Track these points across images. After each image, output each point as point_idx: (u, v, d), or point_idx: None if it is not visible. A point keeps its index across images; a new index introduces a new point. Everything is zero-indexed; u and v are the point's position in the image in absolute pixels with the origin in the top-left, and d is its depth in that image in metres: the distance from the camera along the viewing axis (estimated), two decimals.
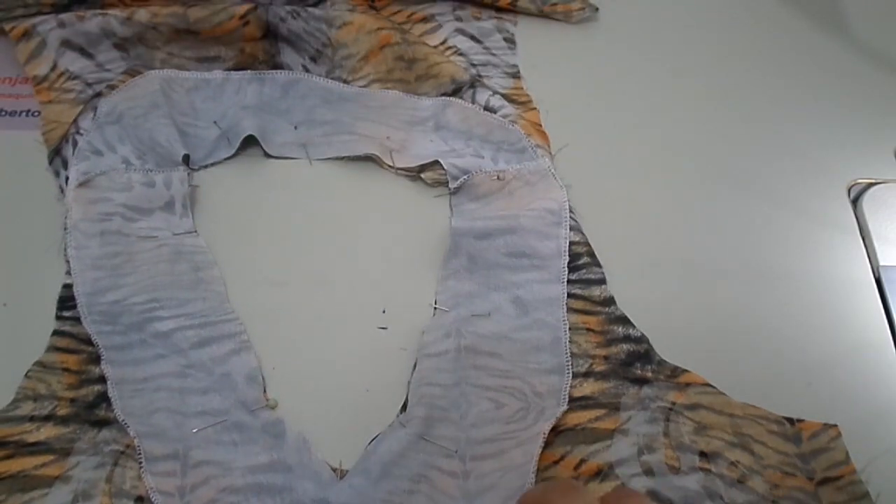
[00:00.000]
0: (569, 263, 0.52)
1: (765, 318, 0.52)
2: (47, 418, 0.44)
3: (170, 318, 0.48)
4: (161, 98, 0.56)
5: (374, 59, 0.59)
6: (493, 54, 0.63)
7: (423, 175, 0.56)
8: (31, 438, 0.44)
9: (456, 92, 0.59)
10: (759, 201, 0.57)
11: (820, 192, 0.58)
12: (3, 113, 0.57)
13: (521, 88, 0.61)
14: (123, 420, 0.44)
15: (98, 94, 0.57)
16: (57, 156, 0.54)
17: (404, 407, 0.47)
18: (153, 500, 0.42)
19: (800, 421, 0.47)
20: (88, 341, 0.47)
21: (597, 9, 0.66)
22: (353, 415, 0.47)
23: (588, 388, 0.48)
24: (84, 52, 0.57)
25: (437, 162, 0.55)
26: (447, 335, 0.49)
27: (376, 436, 0.46)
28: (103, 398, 0.45)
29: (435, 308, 0.51)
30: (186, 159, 0.54)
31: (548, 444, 0.45)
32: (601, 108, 0.61)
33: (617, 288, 0.52)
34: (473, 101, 0.58)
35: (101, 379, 0.46)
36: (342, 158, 0.57)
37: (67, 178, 0.52)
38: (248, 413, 0.45)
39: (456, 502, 0.43)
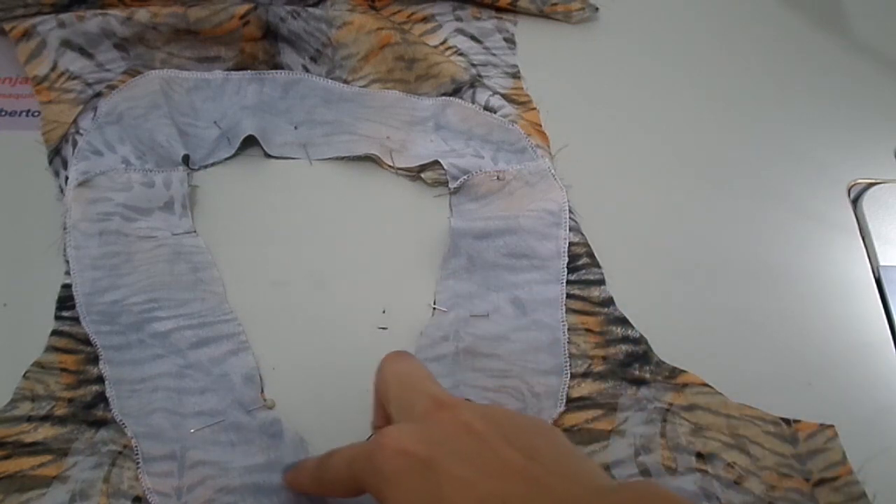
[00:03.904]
0: (568, 264, 0.52)
1: (764, 318, 0.52)
2: (45, 418, 0.44)
3: (168, 319, 0.48)
4: (161, 98, 0.56)
5: (374, 59, 0.59)
6: (493, 54, 0.63)
7: (423, 175, 0.56)
8: (29, 439, 0.44)
9: (456, 92, 0.59)
10: (759, 201, 0.57)
11: (820, 192, 0.58)
12: (3, 113, 0.57)
13: (521, 88, 0.61)
14: (121, 420, 0.44)
15: (98, 94, 0.57)
16: (57, 156, 0.54)
17: None
18: (150, 500, 0.42)
19: (796, 421, 0.46)
20: (87, 341, 0.47)
21: (597, 9, 0.66)
22: (352, 415, 0.47)
23: (586, 388, 0.47)
24: (84, 52, 0.57)
25: (437, 162, 0.55)
26: (445, 338, 0.49)
27: (371, 436, 0.46)
28: (101, 398, 0.45)
29: (434, 308, 0.51)
30: (186, 159, 0.54)
31: None
32: (601, 108, 0.61)
33: (616, 288, 0.52)
34: (473, 101, 0.58)
35: (100, 379, 0.46)
36: (342, 158, 0.57)
37: (67, 178, 0.52)
38: (245, 413, 0.45)
39: None
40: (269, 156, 0.56)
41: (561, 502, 0.31)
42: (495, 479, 0.32)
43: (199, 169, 0.55)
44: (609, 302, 0.51)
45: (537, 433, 0.36)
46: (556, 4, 0.65)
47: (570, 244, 0.53)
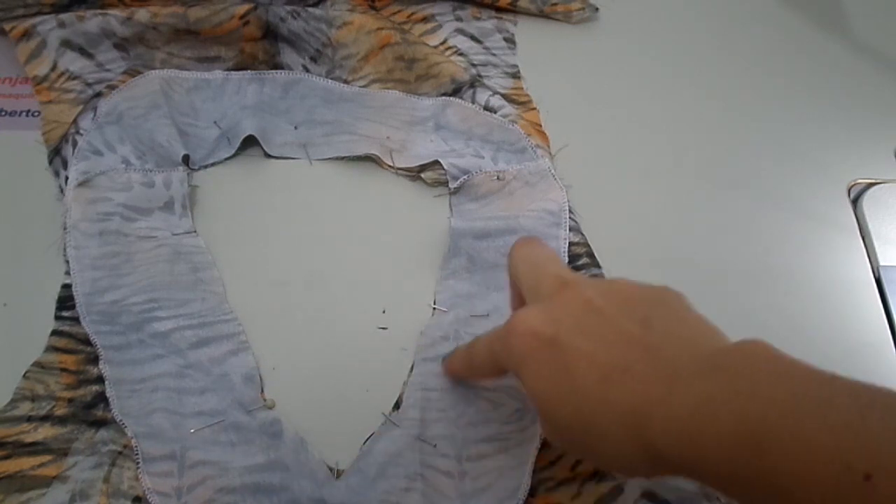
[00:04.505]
0: (568, 264, 0.52)
1: (765, 318, 0.52)
2: (45, 418, 0.44)
3: (168, 319, 0.48)
4: (161, 98, 0.56)
5: (374, 59, 0.59)
6: (493, 54, 0.63)
7: (423, 175, 0.56)
8: (29, 439, 0.44)
9: (456, 92, 0.59)
10: (759, 201, 0.57)
11: (820, 192, 0.58)
12: (3, 113, 0.57)
13: (521, 88, 0.61)
14: (121, 420, 0.44)
15: (98, 94, 0.57)
16: (57, 156, 0.54)
17: (397, 405, 0.47)
18: (150, 500, 0.42)
19: None
20: (87, 341, 0.47)
21: (597, 9, 0.66)
22: (352, 415, 0.47)
23: None
24: (84, 52, 0.57)
25: (437, 162, 0.55)
26: (445, 338, 0.49)
27: (371, 435, 0.46)
28: (101, 398, 0.45)
29: (434, 308, 0.51)
30: (186, 159, 0.54)
31: (544, 444, 0.45)
32: (601, 108, 0.61)
33: None
34: (473, 101, 0.58)
35: (100, 379, 0.46)
36: (342, 158, 0.57)
37: (67, 178, 0.52)
38: (245, 413, 0.45)
39: (452, 502, 0.43)
40: (269, 156, 0.56)
41: (673, 365, 0.34)
42: (615, 350, 0.35)
43: (199, 169, 0.55)
44: None
45: (654, 303, 0.38)
46: (556, 4, 0.65)
47: (570, 244, 0.53)
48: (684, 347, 0.35)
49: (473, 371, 0.45)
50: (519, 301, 0.43)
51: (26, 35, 0.57)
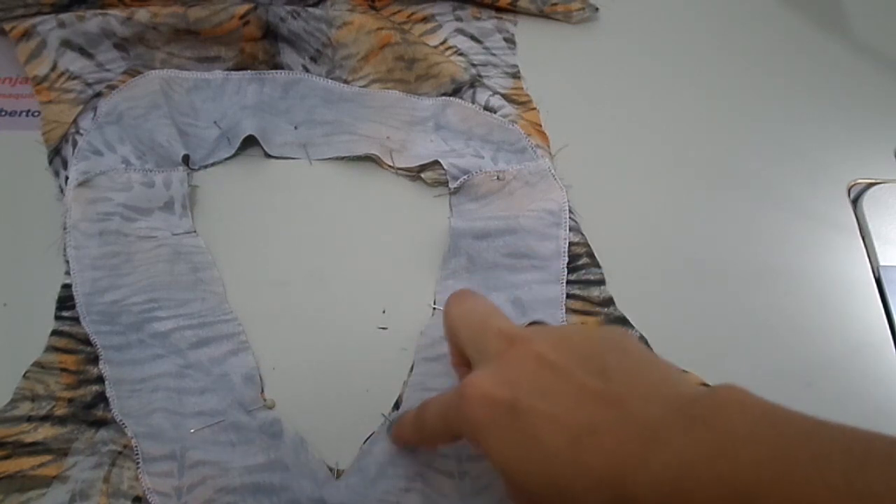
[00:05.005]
0: (568, 264, 0.52)
1: (765, 318, 0.52)
2: (45, 418, 0.44)
3: (168, 319, 0.48)
4: (161, 98, 0.56)
5: (374, 59, 0.59)
6: (493, 54, 0.63)
7: (423, 175, 0.56)
8: (29, 439, 0.44)
9: (456, 92, 0.59)
10: (759, 201, 0.57)
11: (820, 192, 0.58)
12: (3, 113, 0.57)
13: (521, 88, 0.61)
14: (121, 420, 0.44)
15: (98, 94, 0.57)
16: (57, 156, 0.54)
17: (396, 405, 0.47)
18: (150, 500, 0.42)
19: None
20: (87, 341, 0.47)
21: (597, 9, 0.66)
22: (352, 415, 0.47)
23: None
24: (84, 52, 0.57)
25: (437, 162, 0.55)
26: (445, 338, 0.49)
27: (370, 435, 0.46)
28: (101, 398, 0.45)
29: (434, 308, 0.51)
30: (186, 159, 0.54)
31: None
32: (601, 108, 0.61)
33: (616, 288, 0.52)
34: (473, 101, 0.58)
35: (100, 379, 0.46)
36: (342, 158, 0.57)
37: (67, 178, 0.52)
38: (245, 413, 0.45)
39: (452, 502, 0.43)
40: (269, 156, 0.56)
41: (644, 420, 0.32)
42: (580, 409, 0.33)
43: (199, 169, 0.55)
44: (609, 302, 0.51)
45: (608, 351, 0.36)
46: (556, 4, 0.65)
47: (571, 244, 0.53)
48: (651, 397, 0.33)
49: (425, 438, 0.43)
50: (460, 359, 0.42)
51: (26, 35, 0.57)
